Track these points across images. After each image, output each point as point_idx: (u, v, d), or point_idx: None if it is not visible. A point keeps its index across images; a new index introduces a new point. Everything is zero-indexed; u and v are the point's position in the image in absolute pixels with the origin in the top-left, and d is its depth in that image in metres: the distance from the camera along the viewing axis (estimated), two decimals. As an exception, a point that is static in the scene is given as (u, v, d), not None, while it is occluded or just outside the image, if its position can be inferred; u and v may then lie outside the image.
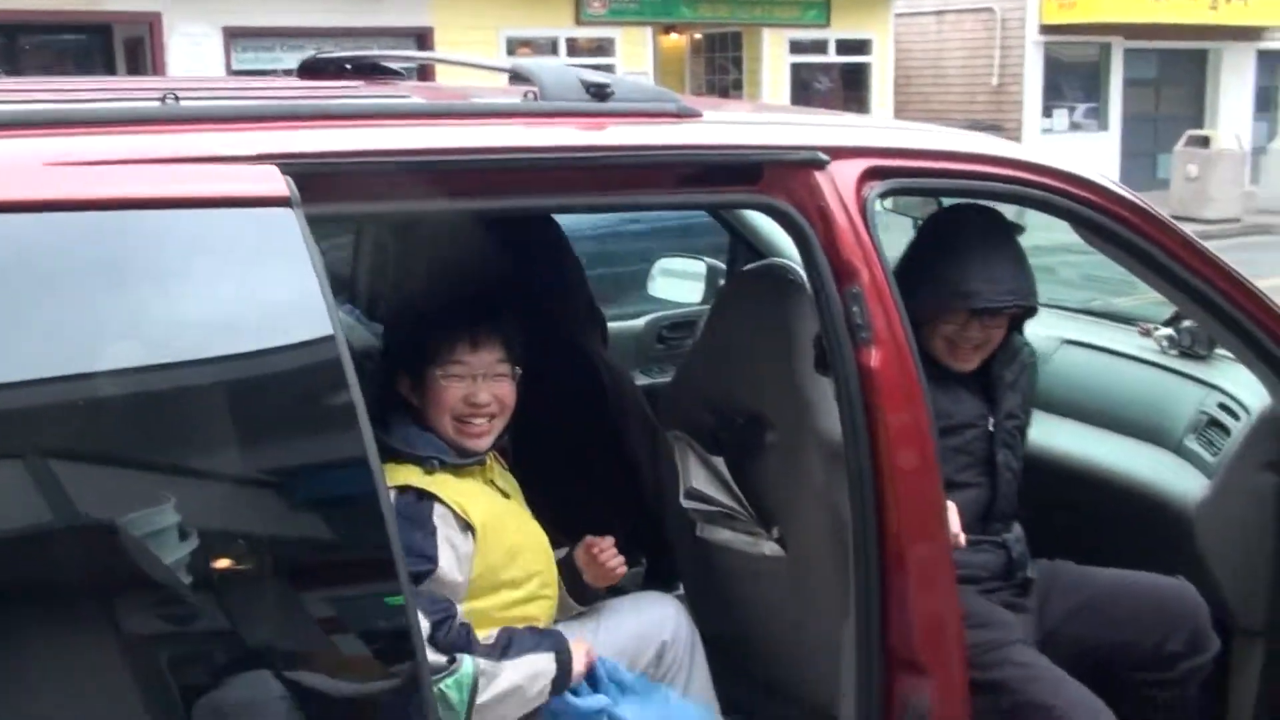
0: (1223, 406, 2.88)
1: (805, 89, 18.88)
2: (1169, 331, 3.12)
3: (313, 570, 1.45)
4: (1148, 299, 3.12)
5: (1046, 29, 20.39)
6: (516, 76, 1.98)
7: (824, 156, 2.02)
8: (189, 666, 1.40)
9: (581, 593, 2.46)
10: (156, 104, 1.56)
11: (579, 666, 2.20)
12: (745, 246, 3.73)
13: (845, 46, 19.33)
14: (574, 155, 1.81)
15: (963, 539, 2.22)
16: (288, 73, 2.63)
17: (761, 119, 2.53)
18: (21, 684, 1.30)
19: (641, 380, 3.68)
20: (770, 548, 2.41)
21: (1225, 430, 2.83)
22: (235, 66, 14.19)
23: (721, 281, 3.77)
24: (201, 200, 1.45)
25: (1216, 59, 22.44)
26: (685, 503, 2.52)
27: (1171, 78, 22.53)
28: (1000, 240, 2.56)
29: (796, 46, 18.94)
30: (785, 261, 3.46)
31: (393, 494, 2.05)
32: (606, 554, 2.42)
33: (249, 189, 1.47)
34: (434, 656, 1.93)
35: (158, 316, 1.40)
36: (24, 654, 1.30)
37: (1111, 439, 3.09)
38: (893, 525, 2.01)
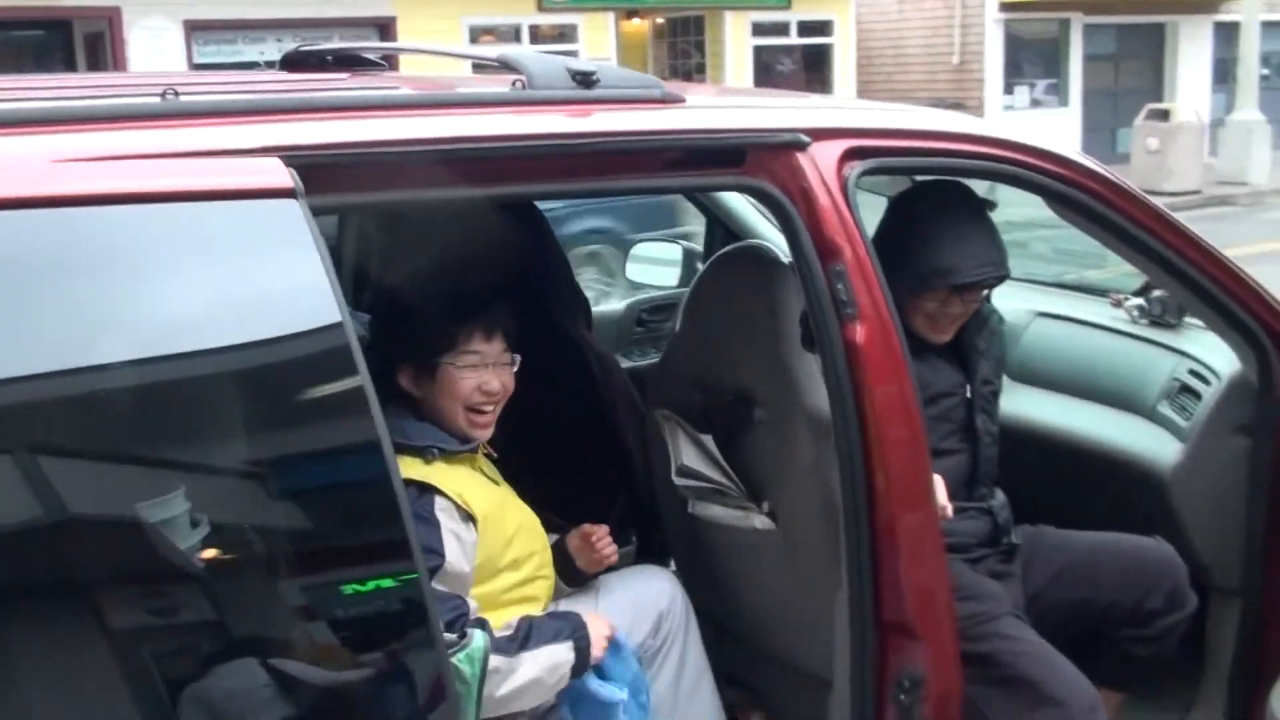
0: (1194, 373, 2.95)
1: (768, 71, 18.93)
2: (1139, 301, 3.19)
3: (329, 554, 1.49)
4: (1118, 271, 3.19)
5: (1006, 6, 20.51)
6: (505, 65, 2.02)
7: (805, 138, 2.06)
8: (209, 649, 1.44)
9: (573, 577, 2.52)
10: (159, 100, 1.58)
11: (597, 651, 2.25)
12: (722, 230, 3.78)
13: (807, 28, 19.39)
14: (565, 142, 1.84)
15: (949, 510, 2.28)
16: (270, 64, 2.65)
17: (744, 103, 2.57)
18: (63, 673, 1.33)
19: (623, 364, 3.72)
20: (761, 521, 2.46)
21: (1197, 396, 2.89)
22: (196, 60, 14.10)
23: (698, 265, 3.82)
24: (209, 193, 1.48)
25: (1174, 32, 22.64)
26: (677, 480, 2.57)
27: (1130, 52, 22.72)
28: (971, 213, 2.61)
29: (759, 29, 18.99)
30: (763, 243, 3.52)
31: None
32: (603, 542, 2.48)
33: (254, 181, 1.50)
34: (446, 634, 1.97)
35: (171, 307, 1.43)
36: (66, 645, 1.34)
37: (1087, 408, 3.16)
38: (882, 495, 2.06)
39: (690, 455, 2.53)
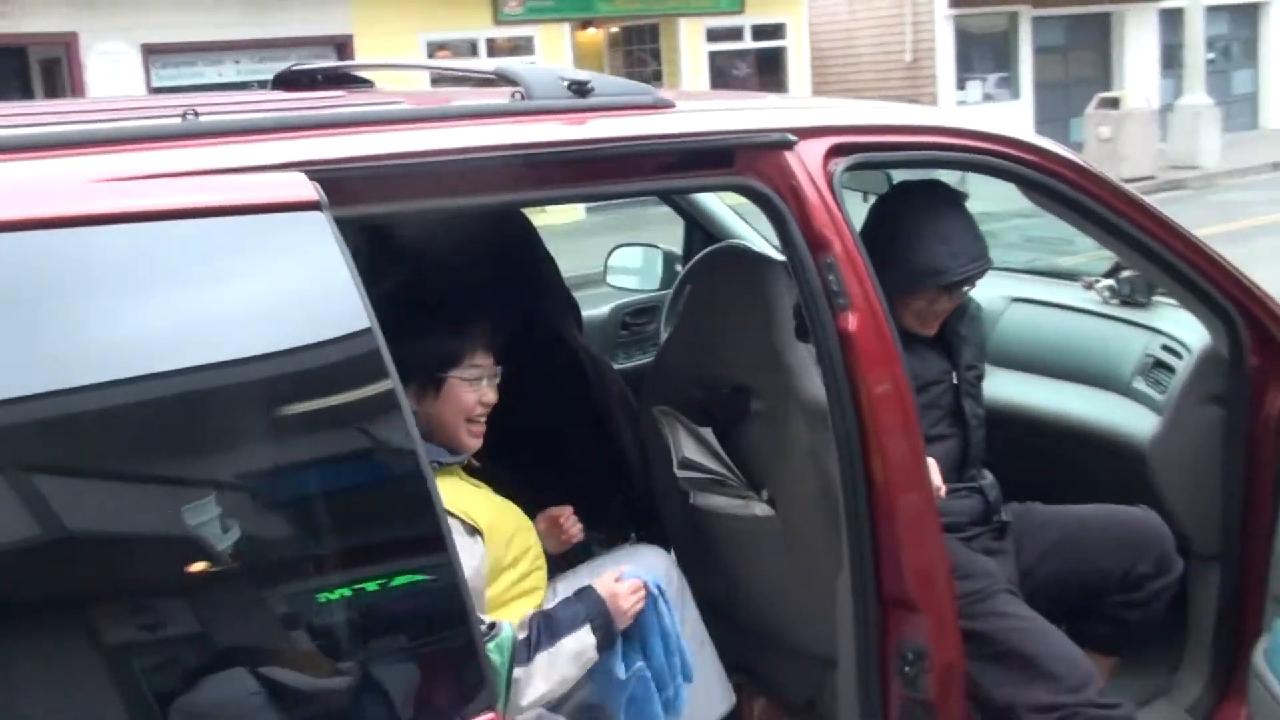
0: (1166, 348, 3.05)
1: (723, 76, 19.06)
2: (1110, 283, 3.30)
3: (372, 550, 1.56)
4: (1088, 256, 3.29)
5: (955, 2, 20.76)
6: (502, 78, 2.09)
7: (792, 137, 2.14)
8: (282, 641, 1.51)
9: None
10: (181, 120, 1.65)
11: (631, 610, 2.30)
12: (700, 232, 3.86)
13: (761, 32, 19.54)
14: (572, 149, 1.92)
15: (943, 490, 2.36)
16: (262, 84, 2.71)
17: (731, 105, 2.65)
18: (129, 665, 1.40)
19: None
20: (761, 509, 2.54)
21: (1170, 370, 2.99)
22: (155, 84, 14.06)
23: (677, 267, 3.89)
24: (239, 208, 1.54)
25: (1120, 21, 22.98)
26: (679, 473, 2.65)
27: (1078, 42, 23.05)
28: (952, 210, 2.69)
29: (713, 34, 19.11)
30: (741, 243, 3.60)
31: None
32: (569, 520, 2.58)
33: (281, 195, 1.56)
34: None
35: (209, 315, 1.49)
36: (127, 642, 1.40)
37: (1065, 387, 3.26)
38: (879, 478, 2.14)
39: (691, 448, 2.61)
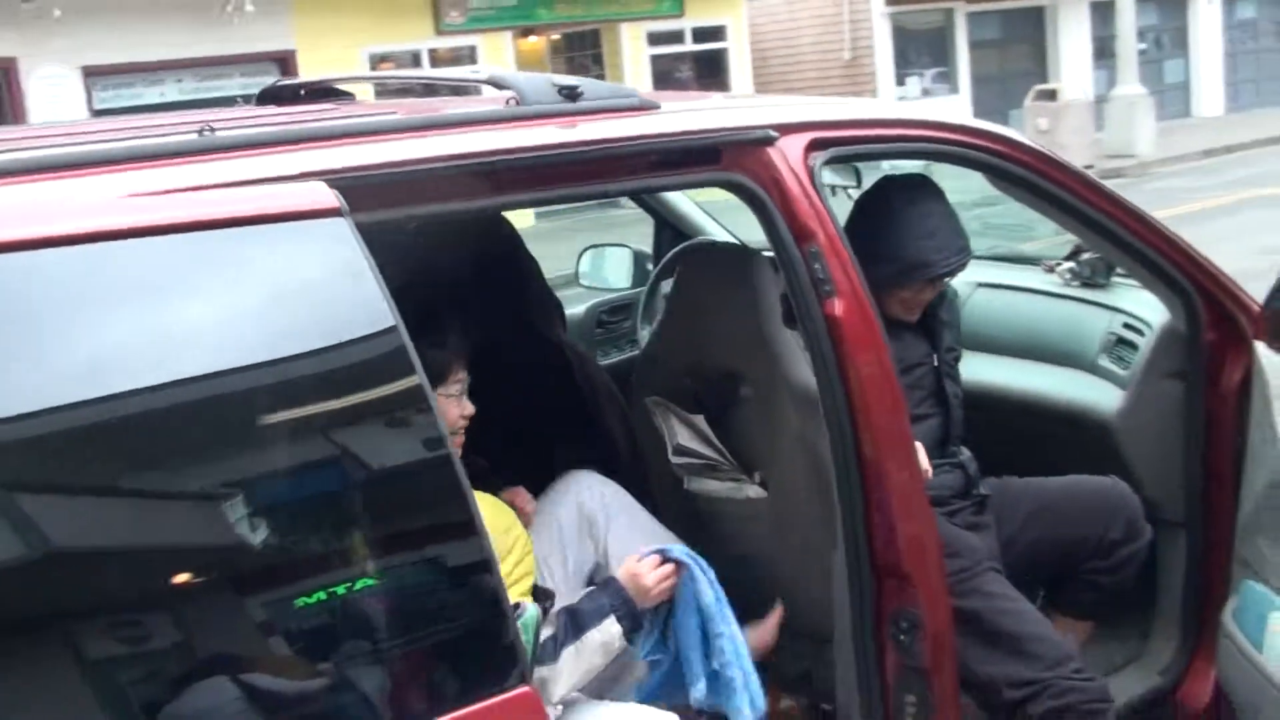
0: (1128, 326, 3.18)
1: (666, 79, 19.19)
2: (1071, 265, 3.42)
3: (414, 535, 1.64)
4: (1048, 241, 3.41)
5: (892, 0, 21.05)
6: (495, 85, 2.16)
7: (773, 134, 2.24)
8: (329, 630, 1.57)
9: None
10: (199, 137, 1.72)
11: (649, 594, 2.36)
12: (670, 230, 3.96)
13: (701, 34, 19.70)
14: (568, 151, 2.00)
15: (930, 472, 2.47)
16: (246, 99, 2.77)
17: (714, 104, 2.74)
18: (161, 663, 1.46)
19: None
20: (754, 491, 2.64)
21: (1133, 346, 3.12)
22: (97, 105, 13.95)
23: (648, 266, 3.98)
24: (266, 216, 1.61)
25: (1053, 14, 23.40)
26: (674, 459, 2.73)
27: (1013, 36, 23.45)
28: (934, 205, 2.79)
29: (654, 38, 19.24)
30: (716, 239, 3.70)
31: None
32: (522, 499, 2.64)
33: (305, 203, 1.64)
34: None
35: (246, 318, 1.56)
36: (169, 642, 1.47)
37: (1033, 367, 3.38)
38: (870, 453, 2.23)
39: (684, 435, 2.70)
